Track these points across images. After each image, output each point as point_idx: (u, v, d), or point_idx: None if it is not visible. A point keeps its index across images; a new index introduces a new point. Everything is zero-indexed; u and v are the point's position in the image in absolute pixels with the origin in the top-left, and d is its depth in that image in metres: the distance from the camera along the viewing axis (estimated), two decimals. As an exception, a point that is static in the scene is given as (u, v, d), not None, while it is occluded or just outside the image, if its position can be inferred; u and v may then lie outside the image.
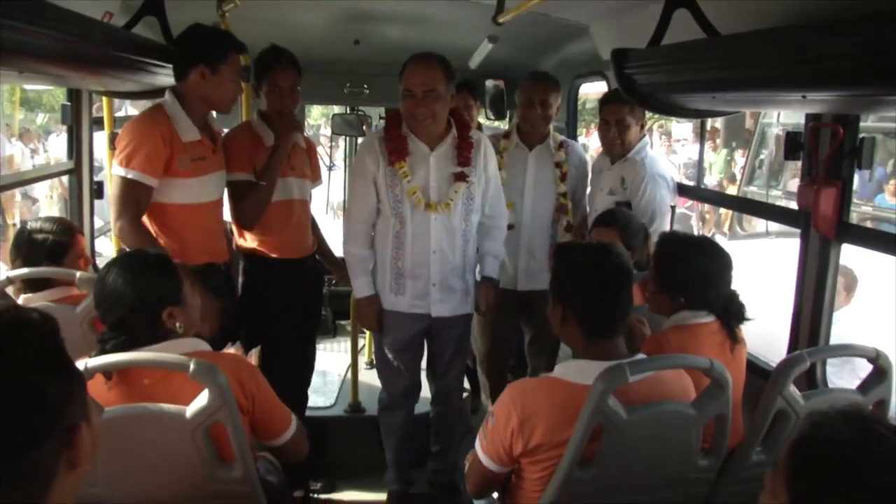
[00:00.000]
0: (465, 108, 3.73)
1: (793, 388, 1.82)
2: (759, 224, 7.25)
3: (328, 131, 8.47)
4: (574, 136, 4.15)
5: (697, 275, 2.08)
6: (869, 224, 6.57)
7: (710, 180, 9.93)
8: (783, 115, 7.09)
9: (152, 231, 2.63)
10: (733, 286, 2.13)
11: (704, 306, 2.08)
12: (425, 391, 3.20)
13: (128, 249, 2.55)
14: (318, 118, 11.52)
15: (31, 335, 0.93)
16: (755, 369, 2.34)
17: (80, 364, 1.55)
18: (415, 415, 3.10)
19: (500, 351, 3.42)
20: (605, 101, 3.22)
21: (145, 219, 2.61)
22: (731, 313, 2.09)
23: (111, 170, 2.65)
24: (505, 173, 3.14)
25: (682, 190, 3.42)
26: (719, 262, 2.12)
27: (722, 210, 8.65)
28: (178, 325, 1.80)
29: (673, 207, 3.24)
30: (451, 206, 2.74)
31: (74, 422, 0.94)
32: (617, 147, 3.16)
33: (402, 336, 2.88)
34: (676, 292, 2.11)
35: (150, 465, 1.73)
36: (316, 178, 3.22)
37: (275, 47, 2.94)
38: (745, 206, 3.30)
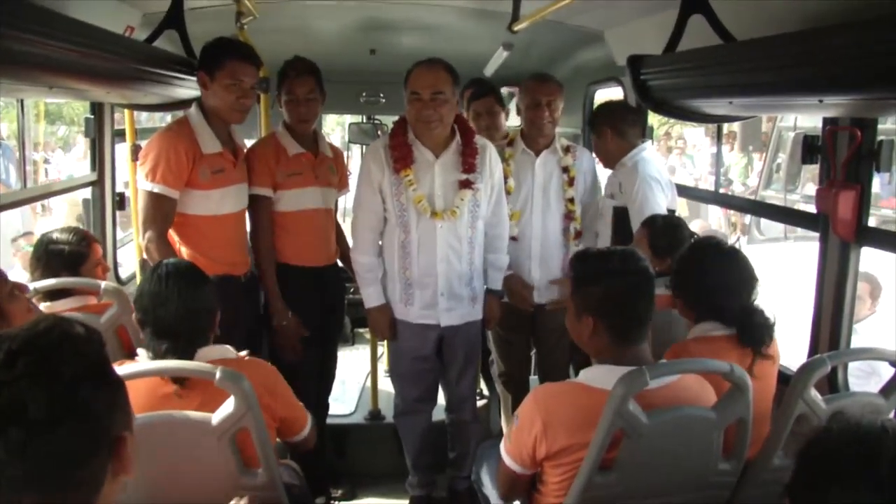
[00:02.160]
0: (490, 114, 3.66)
1: (814, 392, 1.81)
2: (772, 228, 7.22)
3: (338, 140, 8.53)
4: (589, 144, 4.13)
5: (709, 283, 2.07)
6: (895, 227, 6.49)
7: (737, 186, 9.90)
8: (801, 119, 7.04)
9: (173, 241, 2.68)
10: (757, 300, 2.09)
11: (718, 317, 2.07)
12: (442, 397, 3.20)
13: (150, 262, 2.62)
14: (334, 128, 11.59)
15: (81, 352, 0.95)
16: (779, 376, 2.33)
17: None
18: (433, 421, 3.10)
19: (519, 367, 3.34)
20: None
21: None
22: (750, 330, 2.04)
23: (138, 184, 2.69)
24: (511, 182, 3.07)
25: (697, 195, 3.41)
26: (735, 273, 2.10)
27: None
28: (217, 329, 1.92)
29: (672, 211, 3.23)
30: (456, 213, 2.73)
31: (120, 433, 0.97)
32: (610, 162, 3.21)
33: (414, 346, 2.88)
34: (689, 299, 2.11)
35: (176, 470, 1.76)
36: (343, 187, 3.24)
37: (295, 57, 2.97)
38: (763, 209, 3.28)
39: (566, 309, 1.85)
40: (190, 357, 1.82)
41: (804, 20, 1.93)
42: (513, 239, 3.04)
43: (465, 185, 2.74)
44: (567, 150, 3.15)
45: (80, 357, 0.94)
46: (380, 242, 2.85)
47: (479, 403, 3.73)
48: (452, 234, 2.76)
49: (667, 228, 2.67)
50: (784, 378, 2.22)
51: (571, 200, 3.14)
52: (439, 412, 3.14)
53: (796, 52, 1.70)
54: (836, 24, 1.65)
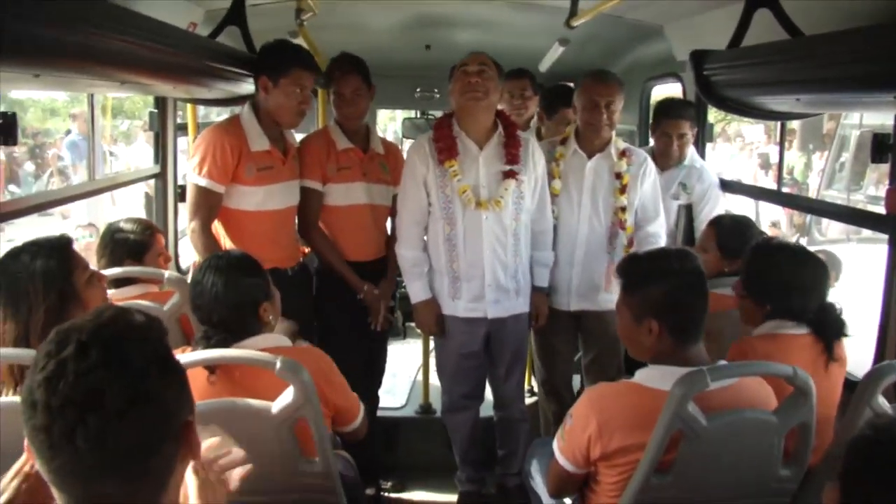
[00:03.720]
0: (522, 97, 3.65)
1: (881, 399, 1.76)
2: (833, 230, 7.01)
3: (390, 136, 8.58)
4: (645, 141, 4.06)
5: (784, 282, 2.03)
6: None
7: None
8: (866, 116, 6.81)
9: (218, 234, 2.75)
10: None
11: (791, 315, 2.02)
12: (490, 394, 3.19)
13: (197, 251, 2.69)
14: (386, 123, 11.67)
15: (147, 341, 0.97)
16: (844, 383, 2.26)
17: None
18: (481, 417, 3.10)
19: (561, 377, 3.16)
20: (666, 114, 3.24)
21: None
22: (826, 326, 2.01)
23: (187, 176, 2.77)
24: (560, 183, 2.93)
25: (758, 193, 3.36)
26: (810, 272, 2.05)
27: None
28: (271, 318, 1.94)
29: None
30: (501, 203, 2.72)
31: (186, 418, 0.99)
32: (675, 158, 3.23)
33: (462, 341, 2.87)
34: (761, 298, 2.06)
35: (236, 458, 1.79)
36: (398, 183, 3.25)
37: (342, 54, 3.00)
38: (829, 210, 3.18)
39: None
40: (227, 346, 1.83)
41: (874, 14, 1.87)
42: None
43: (510, 175, 2.74)
44: (623, 154, 2.92)
45: (146, 344, 0.96)
46: (424, 237, 2.86)
47: (530, 401, 3.72)
48: (498, 225, 2.75)
49: (736, 228, 2.61)
50: (848, 384, 2.16)
51: (623, 209, 2.92)
52: (489, 408, 3.14)
53: (870, 47, 1.65)
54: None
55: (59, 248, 1.83)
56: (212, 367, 1.80)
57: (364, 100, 2.97)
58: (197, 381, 1.76)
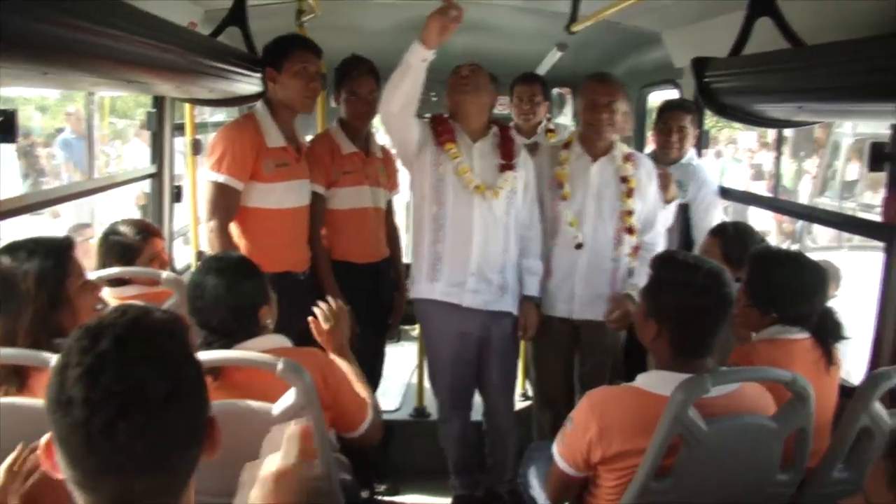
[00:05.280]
0: (532, 101, 3.69)
1: (878, 405, 1.78)
2: (825, 236, 7.05)
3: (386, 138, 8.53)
4: (641, 147, 4.08)
5: (790, 289, 2.04)
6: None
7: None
8: (860, 125, 6.87)
9: (235, 234, 2.73)
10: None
11: (797, 322, 2.04)
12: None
13: (209, 251, 2.67)
14: (378, 126, 11.67)
15: (176, 335, 0.98)
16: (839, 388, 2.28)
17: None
18: (472, 421, 3.10)
19: (556, 389, 3.05)
20: (669, 107, 3.26)
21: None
22: (826, 330, 2.04)
23: (204, 175, 2.75)
24: (566, 187, 2.85)
25: (756, 200, 3.39)
26: (813, 277, 2.08)
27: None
28: (269, 321, 1.92)
29: None
30: (499, 193, 2.74)
31: (210, 413, 1.01)
32: (674, 152, 3.24)
33: (445, 340, 2.86)
34: (767, 306, 2.08)
35: (233, 458, 1.78)
36: (393, 187, 3.26)
37: (355, 56, 3.02)
38: (824, 217, 3.20)
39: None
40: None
41: (874, 24, 1.89)
42: (580, 246, 2.84)
43: (507, 167, 2.77)
44: (627, 158, 2.86)
45: (177, 338, 0.97)
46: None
47: (524, 405, 3.72)
48: (489, 215, 2.75)
49: (739, 236, 2.63)
50: (843, 391, 2.18)
51: (629, 213, 2.84)
52: (480, 412, 3.14)
53: (871, 56, 1.66)
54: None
55: (59, 250, 1.81)
56: (215, 372, 1.78)
57: (377, 101, 2.96)
58: None
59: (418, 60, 2.53)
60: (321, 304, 2.17)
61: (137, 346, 0.92)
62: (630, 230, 2.86)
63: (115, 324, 0.94)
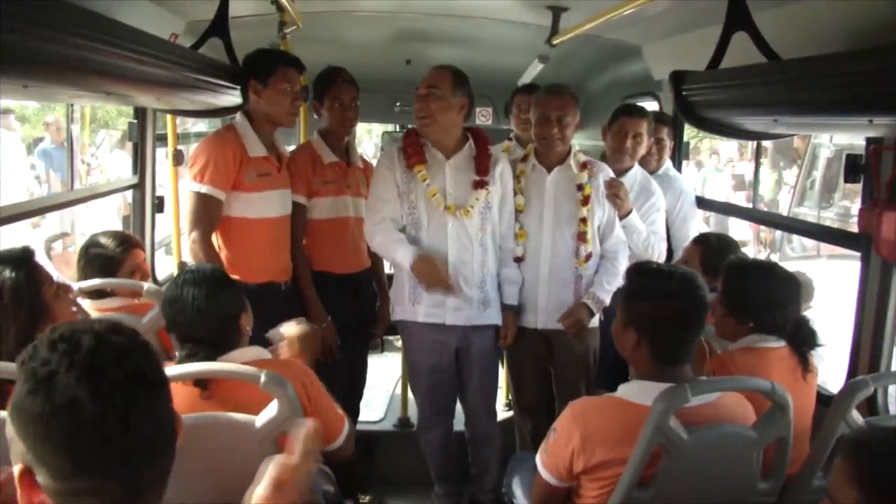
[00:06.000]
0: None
1: (856, 414, 1.81)
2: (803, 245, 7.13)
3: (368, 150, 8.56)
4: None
5: (765, 298, 2.07)
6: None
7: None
8: (836, 136, 6.97)
9: (216, 244, 2.72)
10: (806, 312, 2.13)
11: (773, 330, 2.07)
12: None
13: (192, 262, 2.66)
14: (362, 136, 11.67)
15: (148, 353, 0.99)
16: (817, 396, 2.31)
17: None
18: (455, 431, 3.09)
19: (534, 397, 3.07)
20: (625, 111, 3.12)
21: None
22: (801, 338, 2.07)
23: (185, 186, 2.76)
24: (523, 199, 2.88)
25: (734, 211, 3.42)
26: (787, 287, 2.11)
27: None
28: (248, 328, 1.93)
29: None
30: (470, 212, 2.74)
31: (178, 426, 1.02)
32: (627, 159, 3.10)
33: (429, 355, 2.86)
34: (744, 316, 2.10)
35: (215, 471, 1.76)
36: None
37: (332, 67, 3.05)
38: (802, 228, 3.24)
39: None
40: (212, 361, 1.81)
41: (851, 39, 1.93)
42: (519, 260, 2.88)
43: (479, 185, 2.76)
44: (584, 166, 2.87)
45: (148, 357, 0.99)
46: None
47: (507, 415, 3.72)
48: (464, 234, 2.76)
49: (721, 247, 2.65)
50: (822, 399, 2.21)
51: (584, 220, 2.85)
52: (462, 422, 3.13)
53: (846, 71, 1.69)
54: (884, 44, 1.64)
55: (24, 261, 1.79)
56: (204, 384, 1.78)
57: (357, 109, 3.05)
58: (188, 397, 1.75)
59: (402, 265, 2.74)
60: (282, 331, 2.18)
61: (122, 338, 0.95)
62: (582, 237, 2.86)
63: (84, 328, 0.95)
